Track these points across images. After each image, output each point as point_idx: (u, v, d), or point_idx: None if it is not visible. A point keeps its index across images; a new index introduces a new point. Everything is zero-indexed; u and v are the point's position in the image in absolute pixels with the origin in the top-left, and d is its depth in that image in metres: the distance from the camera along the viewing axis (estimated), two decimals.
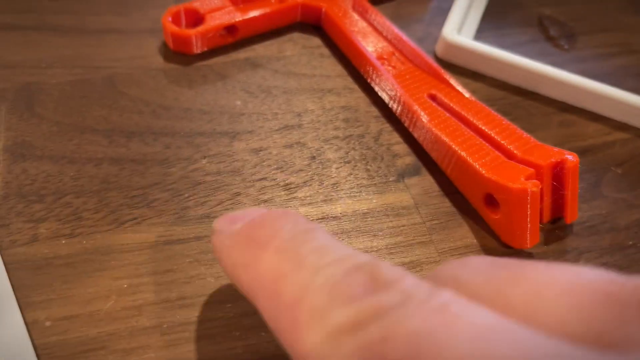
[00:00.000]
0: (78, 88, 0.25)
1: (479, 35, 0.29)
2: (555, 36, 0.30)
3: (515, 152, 0.22)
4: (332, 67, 0.27)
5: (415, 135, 0.24)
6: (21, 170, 0.22)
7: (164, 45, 0.27)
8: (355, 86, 0.26)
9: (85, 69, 0.25)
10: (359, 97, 0.26)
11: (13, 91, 0.24)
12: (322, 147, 0.24)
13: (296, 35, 0.28)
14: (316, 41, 0.28)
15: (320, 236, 0.13)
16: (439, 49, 0.28)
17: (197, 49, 0.26)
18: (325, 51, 0.28)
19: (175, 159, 0.23)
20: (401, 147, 0.24)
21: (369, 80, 0.26)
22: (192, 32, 0.26)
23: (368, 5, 0.28)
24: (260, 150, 0.23)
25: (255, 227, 0.14)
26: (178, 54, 0.27)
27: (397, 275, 0.11)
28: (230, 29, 0.27)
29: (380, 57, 0.26)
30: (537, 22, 0.31)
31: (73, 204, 0.21)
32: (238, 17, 0.26)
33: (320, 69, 0.27)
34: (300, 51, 0.28)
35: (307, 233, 0.13)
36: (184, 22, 0.27)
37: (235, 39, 0.27)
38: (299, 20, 0.29)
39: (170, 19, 0.26)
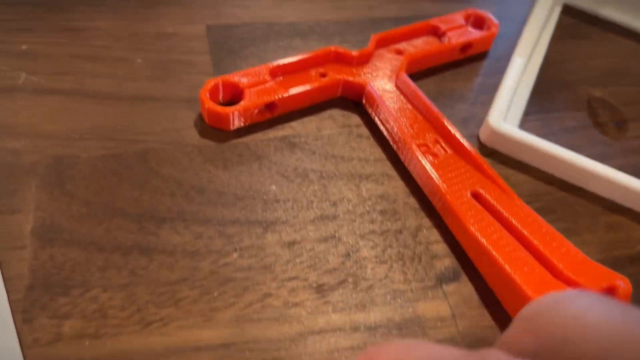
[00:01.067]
0: (110, 164, 0.24)
1: (526, 118, 0.28)
2: (605, 122, 0.29)
3: (563, 270, 0.21)
4: (370, 149, 0.26)
5: (456, 234, 0.23)
6: (48, 256, 0.21)
7: (200, 117, 0.26)
8: (394, 172, 0.25)
9: (118, 142, 0.25)
10: (397, 186, 0.25)
11: (44, 165, 0.24)
12: (358, 244, 0.23)
13: (335, 113, 0.28)
14: (355, 119, 0.27)
15: None
16: (483, 134, 0.27)
17: (234, 125, 0.25)
18: (365, 131, 0.27)
19: (206, 251, 0.22)
20: (440, 247, 0.23)
21: (408, 168, 0.25)
22: (230, 109, 0.25)
23: (410, 83, 0.27)
24: (294, 244, 0.22)
25: None
26: (214, 129, 0.26)
27: None
28: (270, 105, 0.26)
29: (421, 145, 0.25)
30: (586, 105, 0.30)
31: (99, 299, 0.20)
32: (278, 94, 0.26)
33: (359, 150, 0.26)
34: (339, 130, 0.27)
35: None
36: (221, 94, 0.26)
37: (273, 115, 0.26)
38: (339, 96, 0.28)
39: (208, 94, 0.25)
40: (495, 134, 0.26)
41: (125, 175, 0.24)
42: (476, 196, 0.23)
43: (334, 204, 0.24)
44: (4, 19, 0.29)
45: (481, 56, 0.31)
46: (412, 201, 0.25)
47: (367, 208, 0.24)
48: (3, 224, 0.22)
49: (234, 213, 0.23)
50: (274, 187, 0.24)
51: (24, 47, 0.28)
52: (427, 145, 0.25)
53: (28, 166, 0.23)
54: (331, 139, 0.26)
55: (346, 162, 0.26)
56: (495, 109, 0.27)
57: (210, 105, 0.25)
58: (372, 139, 0.27)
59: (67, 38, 0.29)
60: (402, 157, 0.25)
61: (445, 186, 0.23)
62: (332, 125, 0.27)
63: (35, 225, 0.22)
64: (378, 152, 0.26)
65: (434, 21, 0.31)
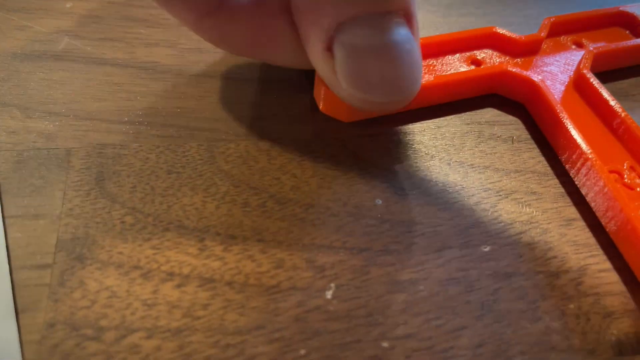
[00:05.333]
0: (166, 158, 0.18)
1: None
2: None
3: None
4: (534, 163, 0.19)
5: None
6: (78, 282, 0.15)
7: (286, 103, 0.20)
8: (543, 189, 0.19)
9: (177, 129, 0.19)
10: (547, 209, 0.18)
11: (82, 155, 0.18)
12: (497, 291, 0.16)
13: (486, 114, 0.21)
14: (514, 123, 0.20)
15: None
16: None
17: (354, 116, 0.19)
18: (527, 144, 0.20)
19: (289, 286, 0.16)
20: (617, 302, 0.16)
21: (581, 191, 0.18)
22: None
23: (599, 86, 0.20)
24: (409, 284, 0.16)
25: None
26: (318, 118, 0.19)
27: None
28: None
29: (611, 171, 0.18)
30: None
31: (141, 349, 0.14)
32: None
33: (518, 163, 0.19)
34: (489, 136, 0.20)
35: None
36: None
37: (406, 108, 0.20)
38: (493, 92, 0.21)
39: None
40: None
41: (184, 174, 0.18)
42: None
43: (464, 231, 0.17)
44: None
45: None
46: (573, 233, 0.18)
47: (508, 239, 0.17)
48: (22, 232, 0.16)
49: (327, 235, 0.17)
50: (380, 201, 0.18)
51: (68, 5, 0.23)
52: (617, 172, 0.18)
53: (62, 155, 0.18)
54: (479, 146, 0.20)
55: (479, 172, 0.19)
56: None
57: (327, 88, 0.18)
58: (536, 151, 0.20)
59: None
60: (579, 184, 0.18)
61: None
62: (478, 128, 0.20)
63: (63, 236, 0.16)
64: (544, 167, 0.19)
65: (631, 8, 0.23)
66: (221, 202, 0.17)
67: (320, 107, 0.19)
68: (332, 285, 0.16)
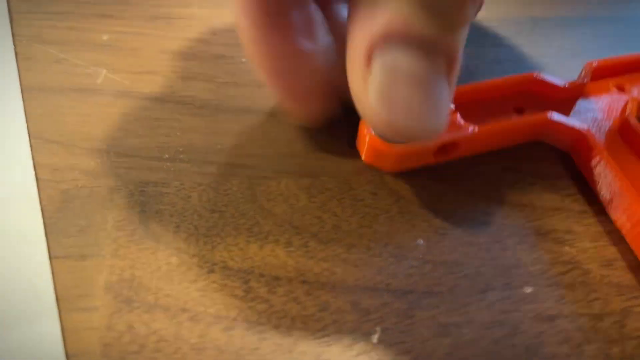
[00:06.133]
0: (208, 196, 0.18)
1: None
2: None
3: None
4: (571, 201, 0.19)
5: None
6: (126, 326, 0.15)
7: (323, 141, 0.20)
8: (583, 229, 0.19)
9: (218, 166, 0.19)
10: (587, 249, 0.18)
11: (125, 194, 0.18)
12: (540, 335, 0.16)
13: (531, 165, 0.21)
14: (563, 179, 0.20)
15: None
16: None
17: (396, 167, 0.19)
18: (564, 181, 0.20)
19: (335, 330, 0.16)
20: None
21: (627, 240, 0.18)
22: (397, 149, 0.18)
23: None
24: (453, 328, 0.16)
25: None
26: (358, 154, 0.19)
27: None
28: (448, 146, 0.19)
29: None
30: None
31: None
32: (461, 132, 0.19)
33: (556, 201, 0.19)
34: (527, 172, 0.20)
35: None
36: None
37: (448, 158, 0.20)
38: (537, 140, 0.21)
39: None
40: None
41: (228, 213, 0.18)
42: None
43: (506, 271, 0.17)
44: (83, 1, 0.24)
45: None
46: (615, 273, 0.18)
47: (550, 280, 0.17)
48: (69, 274, 0.16)
49: (371, 276, 0.17)
50: (422, 241, 0.18)
51: (105, 37, 0.23)
52: None
53: (104, 193, 0.18)
54: (515, 183, 0.20)
55: (519, 210, 0.19)
56: None
57: (373, 139, 0.18)
58: (590, 216, 0.20)
59: (155, 28, 0.24)
60: (616, 221, 0.18)
61: None
62: (516, 166, 0.20)
63: (110, 278, 0.16)
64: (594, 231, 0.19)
65: None
66: (264, 242, 0.17)
67: (363, 158, 0.19)
68: (378, 328, 0.16)
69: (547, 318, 0.17)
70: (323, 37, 0.18)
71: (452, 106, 0.19)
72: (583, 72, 0.22)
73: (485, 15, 0.26)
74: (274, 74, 0.17)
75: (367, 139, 0.18)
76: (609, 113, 0.21)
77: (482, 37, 0.25)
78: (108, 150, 0.19)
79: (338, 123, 0.21)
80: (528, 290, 0.17)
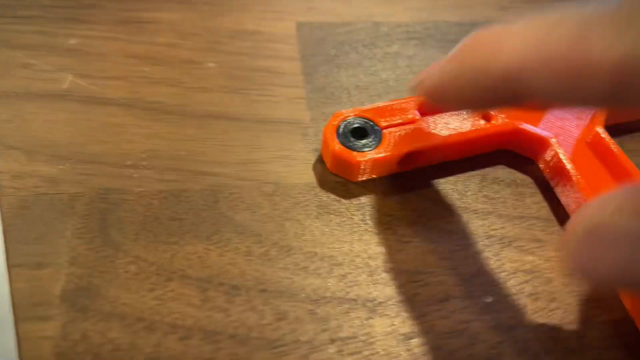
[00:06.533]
0: (169, 204, 0.18)
1: None
2: None
3: None
4: (537, 209, 0.19)
5: None
6: (80, 334, 0.15)
7: (308, 145, 0.20)
8: (547, 237, 0.19)
9: (181, 174, 0.19)
10: (550, 258, 0.18)
11: (86, 201, 0.18)
12: (501, 342, 0.16)
13: (498, 172, 0.20)
14: (527, 185, 0.20)
15: None
16: None
17: (361, 176, 0.19)
18: (530, 188, 0.20)
19: (292, 339, 0.16)
20: (619, 356, 0.16)
21: None
22: (361, 158, 0.18)
23: (610, 143, 0.19)
24: (412, 338, 0.16)
25: None
26: (322, 162, 0.19)
27: None
28: (413, 155, 0.19)
29: None
30: None
31: None
32: (427, 141, 0.19)
33: (521, 209, 0.19)
34: (492, 180, 0.20)
35: None
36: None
37: (414, 166, 0.20)
38: (504, 148, 0.21)
39: (335, 131, 0.19)
40: None
41: (188, 220, 0.18)
42: None
43: (467, 280, 0.17)
44: (50, 4, 0.24)
45: None
46: (577, 284, 0.18)
47: (511, 289, 0.17)
48: (26, 282, 0.16)
49: (330, 285, 0.17)
50: (383, 249, 0.18)
51: (72, 41, 0.23)
52: None
53: (65, 200, 0.18)
54: (478, 191, 0.20)
55: (482, 219, 0.19)
56: None
57: (335, 147, 0.18)
58: (551, 224, 0.20)
59: (124, 32, 0.23)
60: None
61: None
62: (496, 187, 0.20)
63: (66, 286, 0.16)
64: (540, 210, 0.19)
65: None
66: (224, 250, 0.17)
67: (328, 167, 0.19)
68: (335, 337, 0.16)
69: (507, 328, 0.16)
70: None
71: (418, 114, 0.19)
72: None
73: (460, 18, 0.26)
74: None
75: (331, 149, 0.18)
76: (577, 122, 0.20)
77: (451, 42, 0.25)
78: (70, 157, 0.19)
79: (304, 130, 0.21)
80: (489, 299, 0.17)
